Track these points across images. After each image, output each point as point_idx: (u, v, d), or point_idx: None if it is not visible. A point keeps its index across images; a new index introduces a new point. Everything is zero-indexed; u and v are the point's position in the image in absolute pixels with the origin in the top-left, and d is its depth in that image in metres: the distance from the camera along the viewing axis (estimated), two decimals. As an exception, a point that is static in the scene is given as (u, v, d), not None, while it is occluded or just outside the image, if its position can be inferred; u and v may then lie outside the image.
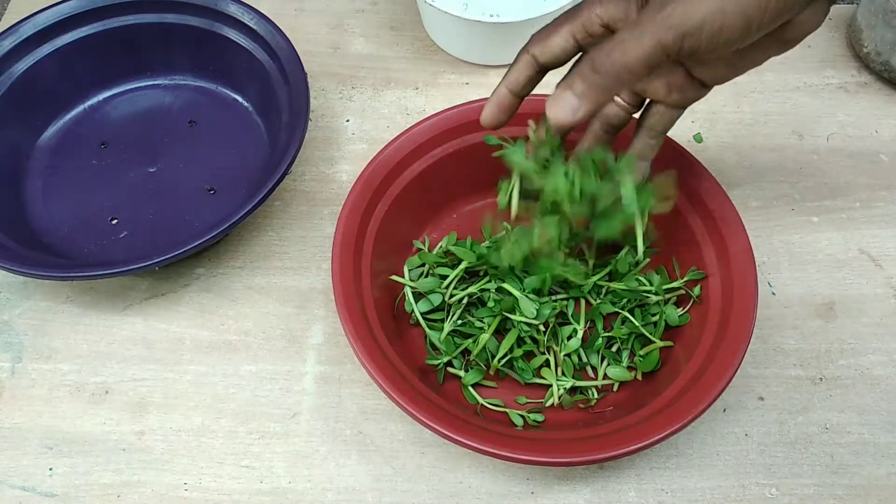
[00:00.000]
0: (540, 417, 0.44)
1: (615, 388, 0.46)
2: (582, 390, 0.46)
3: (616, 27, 0.36)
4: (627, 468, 0.45)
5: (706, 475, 0.45)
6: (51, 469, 0.45)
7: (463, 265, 0.47)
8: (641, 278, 0.48)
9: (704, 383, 0.40)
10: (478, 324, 0.46)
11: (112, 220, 0.53)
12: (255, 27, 0.55)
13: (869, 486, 0.44)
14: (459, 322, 0.47)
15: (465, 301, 0.47)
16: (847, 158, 0.58)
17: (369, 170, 0.48)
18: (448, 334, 0.46)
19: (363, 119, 0.60)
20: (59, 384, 0.48)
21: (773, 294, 0.51)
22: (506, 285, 0.45)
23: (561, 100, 0.34)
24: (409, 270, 0.49)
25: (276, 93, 0.54)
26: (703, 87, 0.40)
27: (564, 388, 0.45)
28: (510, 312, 0.45)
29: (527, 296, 0.45)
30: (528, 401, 0.46)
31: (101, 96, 0.59)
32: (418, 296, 0.48)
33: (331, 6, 0.67)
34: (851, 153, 0.58)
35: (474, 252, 0.47)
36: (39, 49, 0.56)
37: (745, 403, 0.47)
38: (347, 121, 0.60)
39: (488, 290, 0.46)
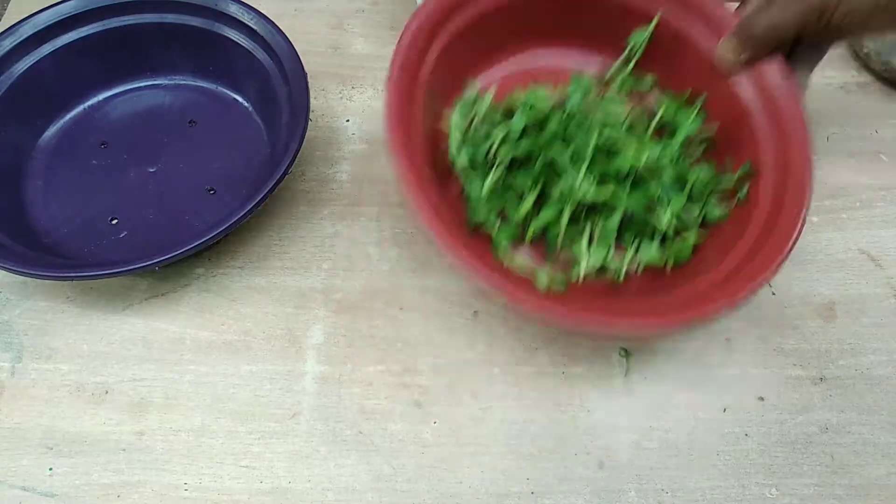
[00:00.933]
0: (563, 286, 0.43)
1: (639, 270, 0.45)
2: (606, 269, 0.45)
3: None
4: (627, 468, 0.45)
5: (706, 475, 0.45)
6: (51, 469, 0.45)
7: (518, 120, 0.45)
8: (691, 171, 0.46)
9: (756, 265, 0.40)
10: (519, 185, 0.45)
11: (112, 220, 0.53)
12: (255, 27, 0.55)
13: (869, 486, 0.44)
14: (501, 180, 0.45)
15: (509, 159, 0.45)
16: (847, 158, 0.58)
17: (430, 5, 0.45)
18: (489, 191, 0.44)
19: (363, 119, 0.60)
20: (59, 384, 0.48)
21: (773, 294, 0.51)
22: (552, 152, 0.44)
23: (729, 50, 0.44)
24: (456, 120, 0.46)
25: (276, 93, 0.54)
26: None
27: (594, 264, 0.44)
28: (552, 180, 0.44)
29: (573, 166, 0.44)
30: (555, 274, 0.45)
31: (101, 96, 0.59)
32: (461, 147, 0.46)
33: (331, 6, 0.67)
34: (851, 153, 0.58)
35: (540, 101, 0.47)
36: (39, 49, 0.56)
37: (745, 403, 0.47)
38: (347, 121, 0.60)
39: (535, 151, 0.45)
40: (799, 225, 0.41)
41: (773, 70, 0.44)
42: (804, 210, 0.41)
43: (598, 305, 0.39)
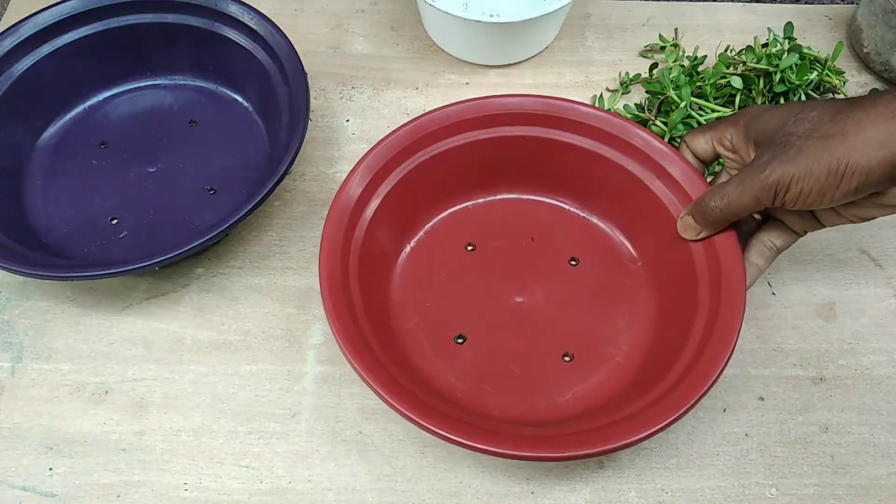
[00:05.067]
0: None
1: None
2: None
3: (737, 151, 0.44)
4: (627, 468, 0.45)
5: (706, 475, 0.45)
6: (51, 469, 0.45)
7: None
8: None
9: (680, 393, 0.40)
10: None
11: (112, 220, 0.53)
12: (255, 27, 0.55)
13: (869, 486, 0.44)
14: None
15: None
16: (847, 158, 0.58)
17: (357, 170, 0.47)
18: None
19: (363, 119, 0.60)
20: (59, 384, 0.48)
21: (773, 294, 0.51)
22: None
23: (688, 226, 0.46)
24: None
25: (276, 93, 0.54)
26: (816, 224, 0.45)
27: None
28: None
29: None
30: None
31: (101, 96, 0.59)
32: None
33: (331, 6, 0.67)
34: (851, 153, 0.58)
35: None
36: (39, 49, 0.56)
37: (745, 403, 0.47)
38: (347, 121, 0.60)
39: None
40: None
41: (725, 242, 0.45)
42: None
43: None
